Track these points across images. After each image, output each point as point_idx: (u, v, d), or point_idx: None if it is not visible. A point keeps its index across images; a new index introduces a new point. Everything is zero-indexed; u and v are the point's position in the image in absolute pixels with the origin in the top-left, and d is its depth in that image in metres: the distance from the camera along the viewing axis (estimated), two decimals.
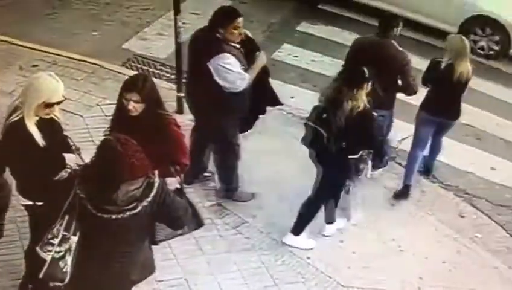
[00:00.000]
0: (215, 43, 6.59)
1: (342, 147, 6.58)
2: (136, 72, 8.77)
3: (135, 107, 5.26)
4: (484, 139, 9.78)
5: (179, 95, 8.52)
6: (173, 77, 9.07)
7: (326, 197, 7.13)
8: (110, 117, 5.74)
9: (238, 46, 6.69)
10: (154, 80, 6.10)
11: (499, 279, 7.42)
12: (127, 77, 5.87)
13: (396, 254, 7.34)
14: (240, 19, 6.61)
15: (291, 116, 9.00)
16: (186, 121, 8.03)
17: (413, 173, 8.22)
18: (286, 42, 11.09)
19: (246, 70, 6.68)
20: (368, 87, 6.57)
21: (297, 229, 7.12)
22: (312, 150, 6.94)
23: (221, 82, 6.59)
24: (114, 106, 5.60)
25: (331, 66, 10.48)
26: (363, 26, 11.97)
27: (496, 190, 8.80)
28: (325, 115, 6.54)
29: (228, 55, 6.53)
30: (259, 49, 6.96)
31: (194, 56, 6.86)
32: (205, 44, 6.67)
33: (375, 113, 6.76)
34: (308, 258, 7.01)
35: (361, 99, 6.48)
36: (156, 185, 4.55)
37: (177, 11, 8.20)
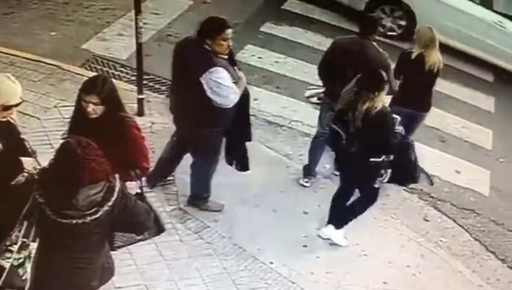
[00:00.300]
0: (205, 56, 6.46)
1: (361, 149, 6.78)
2: (95, 74, 8.72)
3: (94, 109, 5.26)
4: (449, 142, 9.97)
5: (139, 96, 8.51)
6: (133, 78, 9.05)
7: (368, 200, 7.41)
8: (69, 120, 5.72)
9: (226, 57, 6.59)
10: (114, 81, 6.11)
11: (463, 283, 7.56)
12: (86, 78, 5.85)
13: (361, 259, 7.42)
14: (229, 30, 6.51)
15: (255, 118, 8.97)
16: (147, 124, 8.05)
17: None
18: (249, 43, 11.11)
19: (236, 83, 6.62)
20: (386, 88, 6.82)
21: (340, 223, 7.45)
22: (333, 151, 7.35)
23: (213, 97, 6.49)
24: (72, 108, 5.58)
25: (294, 68, 10.65)
26: (327, 27, 12.12)
27: (460, 193, 9.00)
28: (346, 118, 6.79)
29: (220, 69, 6.42)
30: (236, 64, 6.87)
31: (181, 67, 6.72)
32: (194, 56, 6.55)
33: (397, 116, 7.00)
34: (271, 263, 7.03)
35: (381, 100, 6.73)
36: (117, 189, 4.56)
37: (138, 11, 8.17)
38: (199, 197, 7.42)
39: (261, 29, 11.73)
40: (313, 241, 7.45)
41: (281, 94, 10.05)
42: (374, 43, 7.74)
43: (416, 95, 8.06)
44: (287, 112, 9.58)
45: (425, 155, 9.25)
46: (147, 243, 5.96)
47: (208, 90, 6.45)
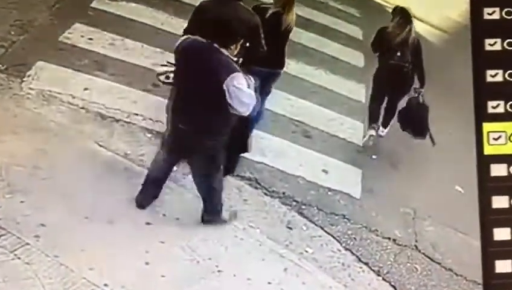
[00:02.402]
0: (225, 61, 6.96)
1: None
2: None
3: None
4: (315, 137, 10.12)
5: None
6: None
7: None
8: None
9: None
10: None
11: None
12: None
13: (214, 275, 7.38)
14: None
15: (85, 112, 8.93)
16: None
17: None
18: (78, 22, 10.86)
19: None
20: None
21: None
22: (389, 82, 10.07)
23: (235, 104, 6.94)
24: None
25: (133, 51, 10.58)
26: (174, 3, 12.11)
27: (328, 196, 9.13)
28: (399, 54, 9.71)
29: (241, 74, 6.94)
30: None
31: (196, 70, 7.05)
32: (214, 60, 6.96)
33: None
34: (106, 285, 6.86)
35: None
36: None
37: None
38: (215, 210, 7.87)
39: (92, 4, 11.52)
40: (156, 257, 7.34)
41: (117, 82, 9.86)
42: (242, 3, 8.27)
43: (272, 54, 8.60)
44: (124, 104, 9.43)
45: (287, 153, 9.56)
46: None
47: (230, 98, 6.92)
